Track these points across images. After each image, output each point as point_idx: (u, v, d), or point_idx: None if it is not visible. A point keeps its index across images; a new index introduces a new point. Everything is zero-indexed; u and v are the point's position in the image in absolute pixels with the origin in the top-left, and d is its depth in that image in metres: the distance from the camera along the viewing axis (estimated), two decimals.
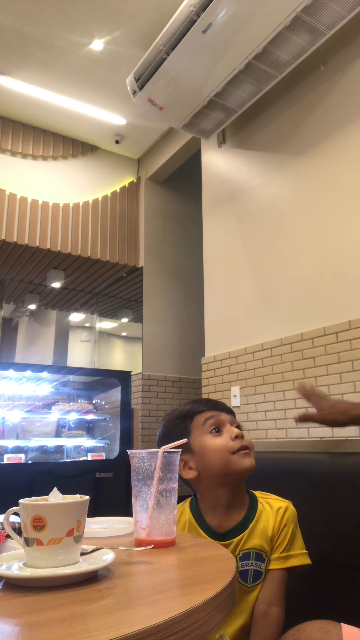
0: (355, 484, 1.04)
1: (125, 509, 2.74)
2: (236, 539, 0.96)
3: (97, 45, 3.33)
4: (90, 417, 3.48)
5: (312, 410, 1.12)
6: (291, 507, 1.00)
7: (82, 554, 0.65)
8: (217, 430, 0.99)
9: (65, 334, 5.33)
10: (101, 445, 3.42)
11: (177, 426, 1.03)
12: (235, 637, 0.91)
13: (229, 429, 0.99)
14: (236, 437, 0.97)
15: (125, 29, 3.20)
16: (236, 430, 0.98)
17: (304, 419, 1.12)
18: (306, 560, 0.96)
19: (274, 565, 0.95)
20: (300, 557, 0.96)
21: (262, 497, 1.03)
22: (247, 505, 1.00)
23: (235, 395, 2.99)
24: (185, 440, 0.94)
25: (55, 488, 0.68)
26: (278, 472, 1.22)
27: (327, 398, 1.12)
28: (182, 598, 0.54)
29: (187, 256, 4.57)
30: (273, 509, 0.99)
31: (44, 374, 3.32)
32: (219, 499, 0.99)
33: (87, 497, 0.67)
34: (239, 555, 0.94)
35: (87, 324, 5.47)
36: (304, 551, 0.97)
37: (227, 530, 0.98)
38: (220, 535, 0.97)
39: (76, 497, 0.67)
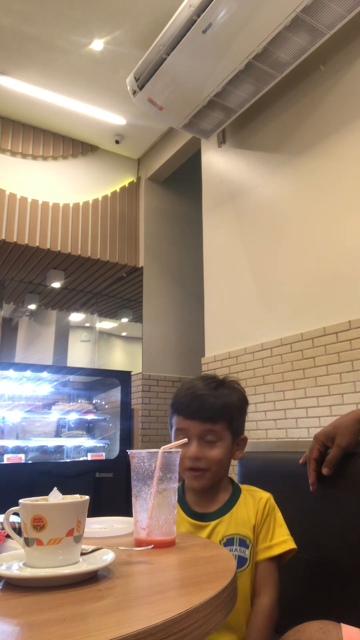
0: (356, 484, 1.04)
1: (125, 509, 2.73)
2: (213, 522, 0.98)
3: (97, 45, 3.33)
4: (90, 417, 3.48)
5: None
6: (271, 499, 1.03)
7: (82, 554, 0.65)
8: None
9: (65, 334, 5.34)
10: (101, 445, 3.42)
11: (169, 410, 1.07)
12: (226, 622, 0.91)
13: (192, 444, 0.98)
14: (192, 458, 0.97)
15: (125, 29, 3.20)
16: (192, 451, 0.97)
17: (331, 465, 1.04)
18: (290, 546, 0.96)
19: (258, 558, 0.97)
20: (282, 545, 0.96)
21: (246, 490, 1.05)
22: (229, 493, 1.03)
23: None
24: (185, 440, 0.94)
25: (55, 488, 0.68)
26: (278, 472, 1.22)
27: (336, 425, 1.06)
28: (182, 598, 0.53)
29: (187, 256, 4.57)
30: (255, 499, 1.01)
31: (44, 374, 3.32)
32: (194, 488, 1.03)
33: (87, 497, 0.67)
34: (223, 542, 0.96)
35: (87, 324, 5.47)
36: (286, 537, 0.98)
37: (206, 513, 1.00)
38: (199, 516, 1.00)
39: (76, 497, 0.67)
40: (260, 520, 0.99)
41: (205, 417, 0.99)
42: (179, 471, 0.98)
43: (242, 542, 0.96)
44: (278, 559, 0.97)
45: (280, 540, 0.97)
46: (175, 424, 1.03)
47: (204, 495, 1.03)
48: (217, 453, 0.99)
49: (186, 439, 0.95)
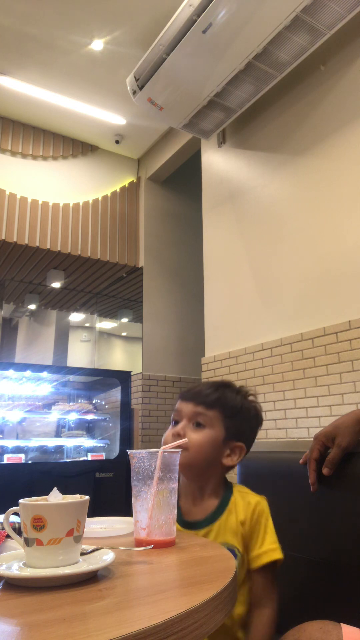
0: (357, 484, 1.04)
1: (125, 509, 2.73)
2: (202, 532, 0.96)
3: (97, 45, 3.33)
4: (90, 417, 3.48)
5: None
6: (263, 502, 1.00)
7: (82, 554, 0.65)
8: (176, 423, 1.02)
9: (65, 334, 5.34)
10: (101, 445, 3.42)
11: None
12: (216, 634, 0.91)
13: (180, 424, 1.00)
14: (173, 435, 0.99)
15: (125, 29, 3.20)
16: (177, 428, 0.99)
17: (332, 465, 1.04)
18: (276, 556, 0.94)
19: (251, 567, 0.95)
20: (269, 553, 0.94)
21: (238, 491, 1.02)
22: (219, 498, 1.00)
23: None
24: (185, 440, 0.94)
25: (55, 488, 0.68)
26: (278, 472, 1.22)
27: (336, 425, 1.06)
28: (182, 598, 0.54)
29: (187, 256, 4.57)
30: (245, 503, 0.99)
31: (44, 374, 3.32)
32: (186, 486, 1.02)
33: (87, 497, 0.67)
34: None
35: (87, 324, 5.47)
36: (274, 546, 0.95)
37: (195, 521, 0.98)
38: (188, 524, 0.98)
39: (76, 497, 0.67)
40: (248, 529, 0.96)
41: (198, 401, 1.00)
42: None
43: (231, 552, 0.95)
44: (271, 567, 0.95)
45: (268, 548, 0.94)
46: (176, 404, 1.04)
47: (194, 501, 1.01)
48: (202, 436, 0.97)
49: (186, 439, 0.95)
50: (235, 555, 0.94)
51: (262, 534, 0.96)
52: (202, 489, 1.01)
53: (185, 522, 0.99)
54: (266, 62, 2.67)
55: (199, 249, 3.71)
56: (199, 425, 0.99)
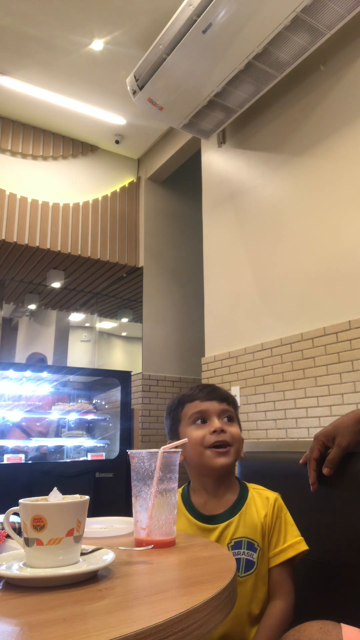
0: (357, 484, 1.04)
1: (125, 509, 2.73)
2: (222, 525, 0.96)
3: (97, 45, 3.33)
4: (90, 417, 3.48)
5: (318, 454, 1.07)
6: (279, 498, 1.02)
7: (82, 554, 0.65)
8: (203, 421, 1.00)
9: (65, 334, 5.34)
10: (101, 445, 3.42)
11: (171, 412, 1.07)
12: (230, 627, 0.91)
13: (213, 421, 0.99)
14: (214, 431, 0.97)
15: (125, 29, 3.20)
16: (216, 424, 0.98)
17: (332, 465, 1.04)
18: (302, 547, 0.96)
19: (272, 564, 0.95)
20: (295, 547, 0.96)
21: (252, 488, 1.04)
22: (237, 493, 1.01)
23: (235, 395, 2.98)
24: (186, 440, 0.94)
25: (55, 488, 0.68)
26: (278, 472, 1.22)
27: (336, 425, 1.07)
28: (182, 598, 0.54)
29: (187, 256, 4.57)
30: (262, 499, 1.00)
31: (44, 374, 3.31)
32: (205, 485, 1.02)
33: (87, 497, 0.67)
34: (231, 544, 0.95)
35: (87, 324, 5.47)
36: (298, 539, 0.97)
37: (214, 515, 0.98)
38: (207, 518, 0.98)
39: (76, 497, 0.67)
40: (270, 524, 0.97)
41: (221, 398, 1.03)
42: (196, 456, 0.98)
43: (250, 546, 0.95)
44: (291, 560, 0.96)
45: (293, 541, 0.96)
46: (190, 410, 1.02)
47: (212, 496, 1.01)
48: (237, 430, 1.01)
49: (186, 439, 0.95)
50: (255, 549, 0.95)
51: (284, 529, 0.97)
52: (223, 483, 1.01)
53: (204, 516, 0.99)
54: (266, 62, 2.67)
55: (199, 249, 3.71)
56: (230, 420, 1.02)
